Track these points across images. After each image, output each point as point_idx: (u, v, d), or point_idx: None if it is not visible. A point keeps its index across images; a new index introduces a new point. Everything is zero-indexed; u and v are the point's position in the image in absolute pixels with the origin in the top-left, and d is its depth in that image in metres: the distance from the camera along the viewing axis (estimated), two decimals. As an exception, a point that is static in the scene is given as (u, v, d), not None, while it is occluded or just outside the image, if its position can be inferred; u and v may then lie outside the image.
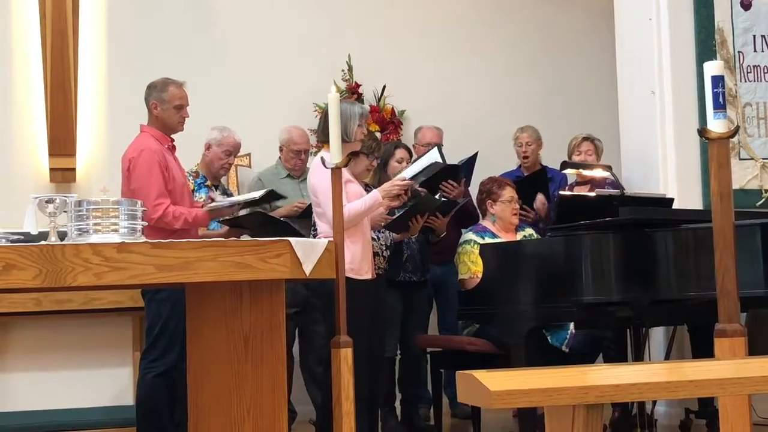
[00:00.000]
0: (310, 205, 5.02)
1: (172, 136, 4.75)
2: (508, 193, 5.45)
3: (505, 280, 4.93)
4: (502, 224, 5.44)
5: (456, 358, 5.31)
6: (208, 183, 5.43)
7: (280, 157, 5.96)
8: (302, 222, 5.41)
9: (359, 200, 4.59)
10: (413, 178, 4.93)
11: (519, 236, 5.46)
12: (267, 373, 3.64)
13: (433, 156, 4.91)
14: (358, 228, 4.56)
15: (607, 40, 6.30)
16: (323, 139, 4.72)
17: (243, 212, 5.24)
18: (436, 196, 5.46)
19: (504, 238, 5.36)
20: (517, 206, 5.49)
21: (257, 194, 5.02)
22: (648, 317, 4.80)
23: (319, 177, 4.62)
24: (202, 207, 4.76)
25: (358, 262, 4.54)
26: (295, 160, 5.80)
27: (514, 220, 5.46)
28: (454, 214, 5.50)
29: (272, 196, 5.10)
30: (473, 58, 7.16)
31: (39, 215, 3.65)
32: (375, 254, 5.07)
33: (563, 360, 5.10)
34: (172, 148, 4.71)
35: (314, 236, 4.76)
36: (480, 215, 5.70)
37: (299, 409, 5.75)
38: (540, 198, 5.74)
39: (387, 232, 5.19)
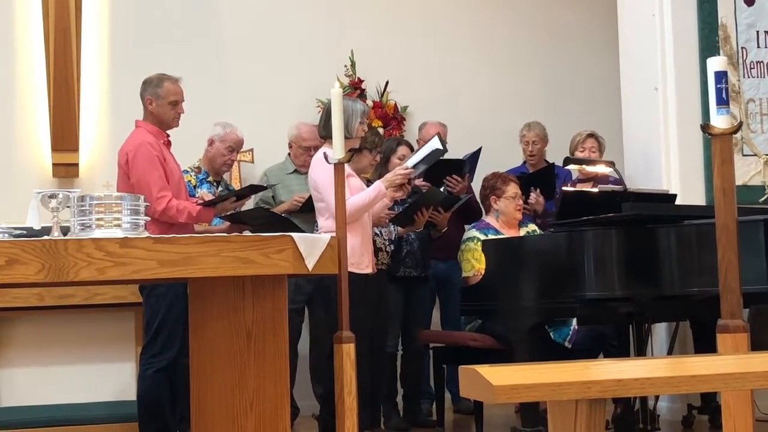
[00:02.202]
0: (310, 198, 5.03)
1: (168, 132, 4.74)
2: (512, 189, 5.45)
3: (508, 275, 4.93)
4: (506, 220, 5.44)
5: (458, 354, 5.31)
6: (210, 179, 5.43)
7: (289, 154, 6.00)
8: (305, 216, 5.42)
9: (362, 193, 4.60)
10: (415, 167, 4.93)
11: (522, 232, 5.47)
12: (269, 367, 3.64)
13: (433, 144, 4.91)
14: (357, 221, 4.56)
15: (610, 36, 6.29)
16: (324, 134, 4.74)
17: (245, 208, 5.24)
18: (441, 189, 5.46)
19: (507, 234, 5.36)
20: (521, 202, 5.50)
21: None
22: (651, 313, 4.80)
23: (320, 172, 4.62)
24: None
25: (358, 255, 4.53)
26: (304, 156, 5.81)
27: (517, 215, 5.47)
28: (457, 210, 5.50)
29: (255, 189, 5.11)
30: (476, 53, 7.16)
31: (42, 210, 3.65)
32: (378, 249, 5.08)
33: (566, 356, 5.10)
34: (168, 144, 4.70)
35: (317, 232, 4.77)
36: (483, 211, 5.71)
37: (302, 404, 5.75)
38: (533, 195, 5.75)
39: (391, 226, 5.20)
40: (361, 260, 4.58)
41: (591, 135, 6.00)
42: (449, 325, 6.04)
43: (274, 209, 5.65)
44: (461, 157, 5.87)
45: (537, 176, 5.94)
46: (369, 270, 4.68)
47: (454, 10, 7.15)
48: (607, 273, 4.51)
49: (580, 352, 5.11)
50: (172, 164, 4.66)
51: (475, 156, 5.88)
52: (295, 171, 5.87)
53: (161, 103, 4.65)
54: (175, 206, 4.49)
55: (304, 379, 5.77)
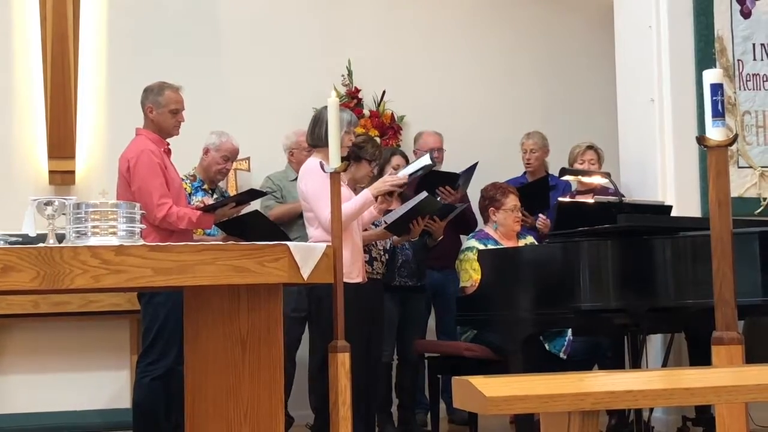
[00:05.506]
0: None
1: (167, 140, 4.75)
2: (511, 201, 5.44)
3: (503, 286, 4.93)
4: (504, 231, 5.43)
5: (453, 364, 5.31)
6: (205, 187, 5.44)
7: (290, 162, 5.99)
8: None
9: (350, 201, 4.59)
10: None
11: (521, 244, 5.46)
12: (264, 377, 3.64)
13: (424, 160, 4.94)
14: (347, 232, 4.55)
15: (608, 47, 6.30)
16: (313, 143, 4.76)
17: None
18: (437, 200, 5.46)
19: (506, 245, 5.36)
20: (520, 214, 5.49)
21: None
22: (645, 324, 4.80)
23: (308, 182, 4.64)
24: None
25: (348, 265, 4.52)
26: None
27: (516, 227, 5.46)
28: (452, 219, 5.50)
29: (254, 195, 5.11)
30: (473, 63, 7.17)
31: (38, 217, 3.66)
32: (373, 259, 5.09)
33: (561, 367, 5.10)
34: (168, 152, 4.72)
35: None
36: (478, 222, 5.70)
37: (296, 414, 5.75)
38: (541, 219, 5.76)
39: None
40: (351, 270, 4.57)
41: (590, 147, 6.00)
42: (445, 334, 6.04)
43: (280, 206, 5.65)
44: (457, 172, 5.87)
45: (532, 187, 5.94)
46: (359, 279, 4.68)
47: (451, 21, 7.16)
48: (602, 284, 4.51)
49: (575, 363, 5.11)
50: (173, 172, 4.68)
51: (470, 170, 5.88)
52: (297, 178, 5.86)
53: (162, 111, 4.66)
54: (176, 213, 4.50)
55: (300, 389, 5.76)
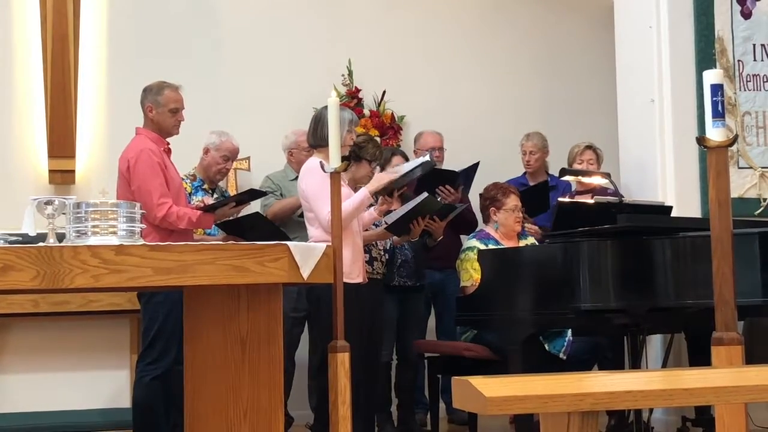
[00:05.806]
0: None
1: (167, 139, 4.75)
2: (512, 201, 5.44)
3: (503, 286, 4.93)
4: (505, 231, 5.43)
5: (453, 364, 5.31)
6: (205, 186, 5.45)
7: (290, 161, 5.99)
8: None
9: (348, 200, 4.59)
10: (403, 177, 4.93)
11: (521, 244, 5.46)
12: (264, 376, 3.64)
13: (423, 159, 4.93)
14: (347, 231, 4.55)
15: (608, 47, 6.30)
16: (314, 143, 4.76)
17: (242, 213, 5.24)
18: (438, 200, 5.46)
19: (506, 245, 5.36)
20: (521, 214, 5.49)
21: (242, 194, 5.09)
22: (645, 325, 4.80)
23: (308, 182, 4.64)
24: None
25: (349, 265, 4.52)
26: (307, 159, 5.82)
27: (516, 227, 5.45)
28: (452, 219, 5.50)
29: (254, 195, 5.12)
30: (473, 63, 7.16)
31: (38, 217, 3.66)
32: (373, 259, 5.09)
33: (561, 367, 5.10)
34: (168, 151, 4.72)
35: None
36: (478, 222, 5.69)
37: (296, 414, 5.75)
38: (529, 227, 5.75)
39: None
40: (351, 270, 4.57)
41: (589, 147, 6.00)
42: (445, 334, 6.04)
43: (278, 201, 5.66)
44: (457, 170, 5.87)
45: (532, 190, 5.94)
46: (360, 279, 4.68)
47: (451, 21, 7.16)
48: (602, 284, 4.51)
49: (575, 364, 5.11)
50: (173, 171, 4.68)
51: (470, 170, 5.88)
52: (296, 178, 5.87)
53: (161, 111, 4.66)
54: (176, 213, 4.50)
55: (300, 389, 5.76)
